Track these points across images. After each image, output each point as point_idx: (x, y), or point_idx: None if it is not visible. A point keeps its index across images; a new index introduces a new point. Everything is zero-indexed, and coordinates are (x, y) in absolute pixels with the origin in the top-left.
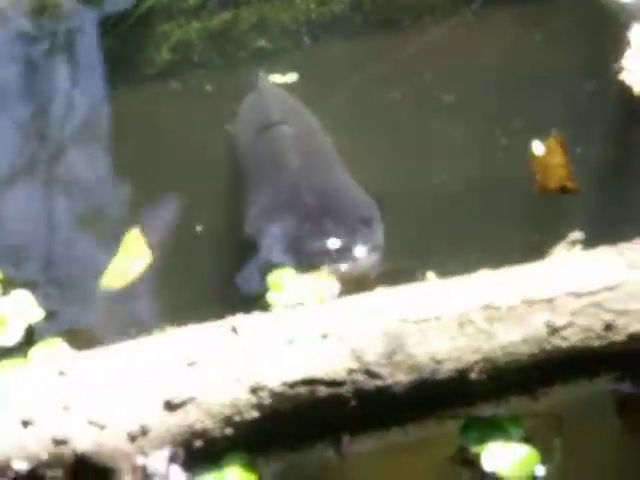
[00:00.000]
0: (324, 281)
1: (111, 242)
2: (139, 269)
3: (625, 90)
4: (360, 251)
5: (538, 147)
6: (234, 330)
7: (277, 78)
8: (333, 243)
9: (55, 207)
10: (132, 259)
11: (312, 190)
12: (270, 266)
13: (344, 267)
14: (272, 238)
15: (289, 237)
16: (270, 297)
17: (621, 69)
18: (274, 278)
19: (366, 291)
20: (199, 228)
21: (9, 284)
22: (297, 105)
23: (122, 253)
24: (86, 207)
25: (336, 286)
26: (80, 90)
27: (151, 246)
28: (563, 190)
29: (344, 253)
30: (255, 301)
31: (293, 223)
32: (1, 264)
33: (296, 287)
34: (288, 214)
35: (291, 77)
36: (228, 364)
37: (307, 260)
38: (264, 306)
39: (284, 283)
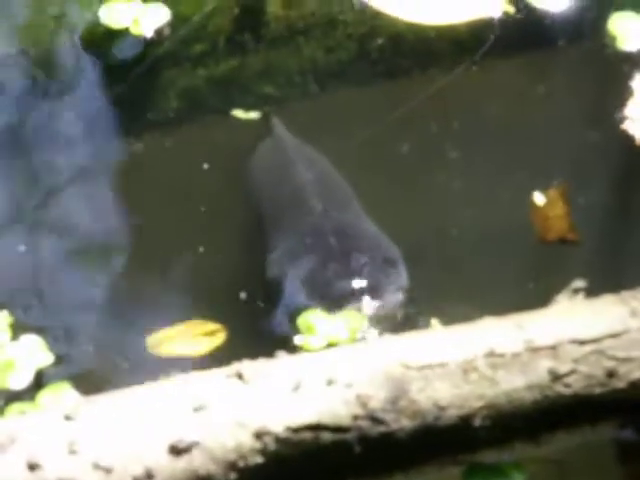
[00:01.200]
0: (355, 321)
1: (118, 287)
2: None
3: (628, 139)
4: (386, 291)
5: (539, 198)
6: (239, 376)
7: (239, 114)
8: (359, 284)
9: (64, 253)
10: (190, 342)
11: (335, 232)
12: (296, 310)
13: (371, 307)
14: (296, 281)
15: (314, 279)
16: (301, 340)
17: (624, 118)
18: (305, 321)
19: (393, 332)
20: (243, 295)
21: (19, 328)
22: (312, 150)
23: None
24: (94, 254)
25: (366, 326)
26: (86, 138)
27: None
28: (563, 241)
29: (370, 293)
30: (285, 344)
31: (317, 265)
32: (11, 308)
33: (327, 329)
34: (312, 256)
35: (253, 114)
36: (233, 409)
37: (333, 302)
38: (295, 349)
39: (315, 325)
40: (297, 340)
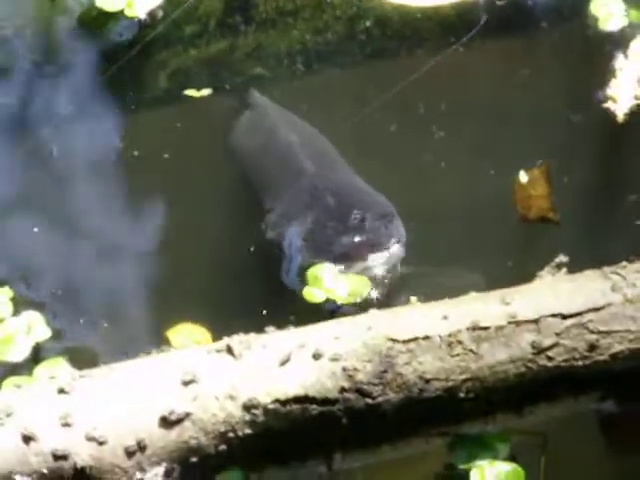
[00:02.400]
0: (358, 284)
1: (118, 265)
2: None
3: (610, 118)
4: (387, 243)
5: (523, 177)
6: (229, 350)
7: (192, 93)
8: (361, 238)
9: (66, 232)
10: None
11: (331, 191)
12: (302, 266)
13: (374, 260)
14: (300, 239)
15: (317, 237)
16: (309, 292)
17: (606, 98)
18: (313, 274)
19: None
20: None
21: (20, 303)
22: (293, 115)
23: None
24: (94, 233)
25: (367, 291)
26: (81, 117)
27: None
28: (543, 220)
29: (373, 247)
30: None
31: (319, 223)
32: (13, 283)
33: (333, 283)
34: (312, 215)
35: (206, 91)
36: (223, 382)
37: (336, 257)
38: (304, 302)
39: (322, 279)
40: (304, 291)
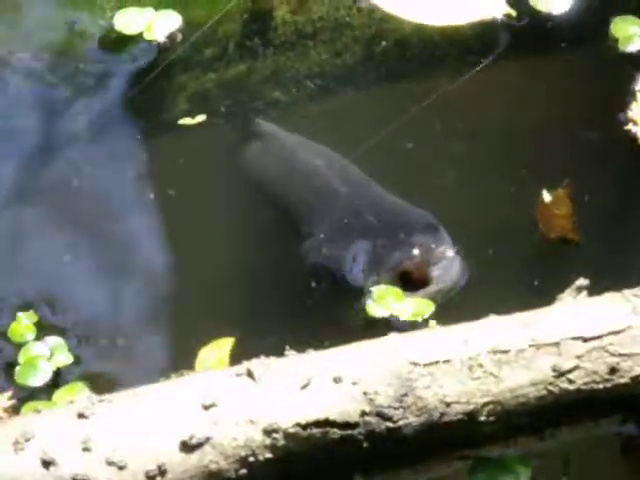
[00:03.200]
0: (421, 306)
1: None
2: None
3: (631, 141)
4: (443, 252)
5: (546, 196)
6: (250, 374)
7: (187, 121)
8: (416, 251)
9: (90, 256)
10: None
11: (372, 210)
12: (362, 287)
13: (433, 270)
14: (357, 262)
15: (371, 256)
16: (372, 309)
17: (627, 120)
18: (379, 293)
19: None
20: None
21: (44, 328)
22: (308, 141)
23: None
24: (118, 257)
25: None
26: (100, 140)
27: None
28: (564, 241)
29: (431, 257)
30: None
31: (370, 242)
32: (38, 308)
33: (398, 303)
34: (360, 237)
35: (201, 118)
36: (243, 406)
37: (391, 272)
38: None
39: (387, 298)
40: (368, 306)
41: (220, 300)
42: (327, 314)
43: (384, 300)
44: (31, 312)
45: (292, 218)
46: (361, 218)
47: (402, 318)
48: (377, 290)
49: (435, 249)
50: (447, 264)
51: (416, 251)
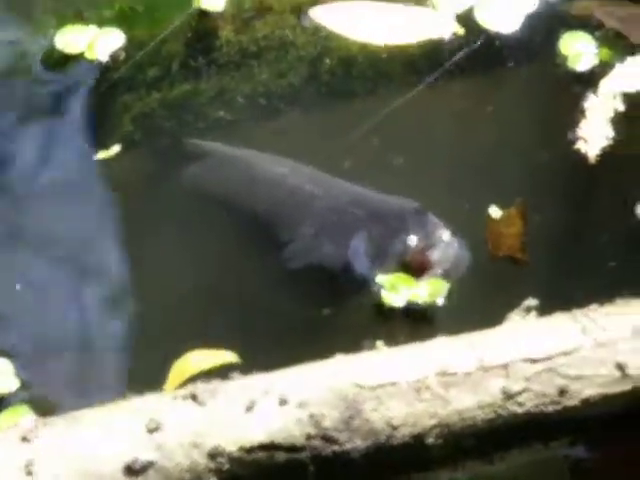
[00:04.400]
0: (437, 286)
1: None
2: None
3: (581, 160)
4: (440, 234)
5: (495, 213)
6: (194, 397)
7: (102, 154)
8: (414, 236)
9: (42, 274)
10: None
11: (355, 204)
12: (359, 280)
13: (433, 253)
14: (353, 255)
15: (370, 247)
16: (389, 299)
17: (577, 138)
18: (389, 283)
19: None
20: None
21: None
22: (259, 153)
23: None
24: (71, 272)
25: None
26: (45, 164)
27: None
28: (512, 259)
29: (429, 241)
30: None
31: (365, 234)
32: None
33: (411, 288)
34: (352, 229)
35: (115, 149)
36: (187, 430)
37: (394, 261)
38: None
39: (399, 286)
40: (383, 297)
41: (189, 320)
42: (335, 315)
43: (397, 288)
44: None
45: (263, 229)
46: (347, 213)
47: (420, 301)
48: (387, 279)
49: (432, 232)
50: (445, 246)
51: (414, 237)
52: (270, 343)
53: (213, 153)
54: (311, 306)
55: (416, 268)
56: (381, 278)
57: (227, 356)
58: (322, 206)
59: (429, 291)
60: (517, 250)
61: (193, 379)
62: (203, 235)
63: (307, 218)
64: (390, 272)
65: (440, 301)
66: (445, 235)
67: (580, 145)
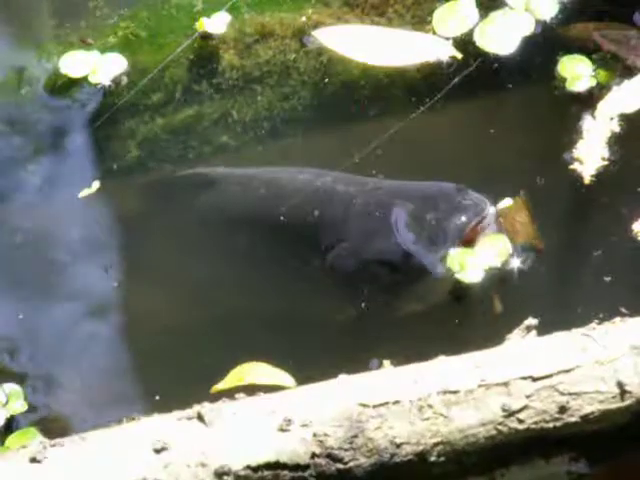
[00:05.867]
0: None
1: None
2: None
3: (577, 180)
4: (487, 208)
5: (508, 202)
6: (200, 417)
7: (85, 192)
8: (469, 213)
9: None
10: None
11: (394, 194)
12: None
13: (486, 227)
14: (414, 244)
15: (429, 233)
16: (464, 277)
17: (573, 159)
18: (457, 261)
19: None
20: None
21: (2, 373)
22: (270, 168)
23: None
24: (76, 300)
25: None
26: (52, 185)
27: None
28: (530, 247)
29: (481, 216)
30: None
31: (419, 221)
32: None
33: (478, 258)
34: (404, 219)
35: (95, 185)
36: (194, 450)
37: (456, 241)
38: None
39: (466, 261)
40: (459, 277)
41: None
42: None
43: (466, 264)
44: None
45: (301, 238)
46: (391, 205)
47: (494, 265)
48: (453, 260)
49: (477, 205)
50: (491, 219)
51: (469, 213)
52: (361, 349)
53: (221, 178)
54: (375, 303)
55: (471, 241)
56: (448, 260)
57: (285, 379)
58: (359, 203)
59: (496, 253)
60: (533, 238)
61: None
62: (238, 256)
63: (348, 218)
64: (448, 253)
65: (515, 262)
66: (491, 208)
67: (576, 166)
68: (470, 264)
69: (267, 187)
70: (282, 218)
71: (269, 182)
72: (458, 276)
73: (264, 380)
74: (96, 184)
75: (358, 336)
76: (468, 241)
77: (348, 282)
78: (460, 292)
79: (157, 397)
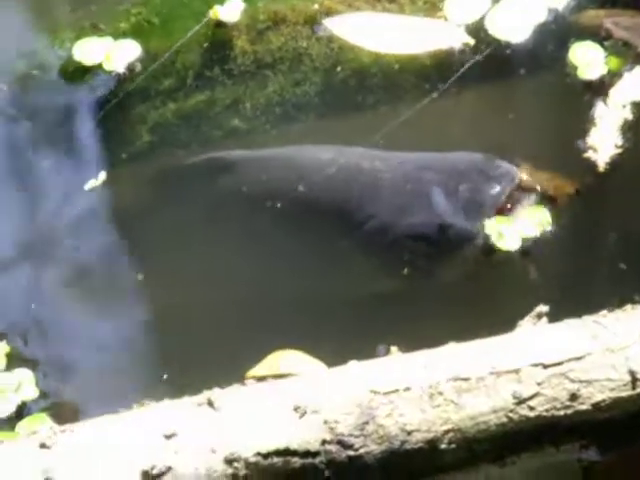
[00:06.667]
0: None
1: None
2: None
3: (591, 167)
4: (515, 172)
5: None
6: (210, 403)
7: (91, 184)
8: (502, 182)
9: (60, 288)
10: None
11: (423, 167)
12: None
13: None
14: (450, 215)
15: (465, 203)
16: (503, 245)
17: (587, 147)
18: (495, 231)
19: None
20: None
21: (15, 359)
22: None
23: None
24: (89, 287)
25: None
26: (64, 172)
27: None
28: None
29: (514, 183)
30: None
31: (453, 192)
32: (11, 338)
33: (516, 226)
34: (437, 190)
35: (102, 176)
36: (204, 436)
37: (492, 210)
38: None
39: (506, 230)
40: (496, 246)
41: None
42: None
43: (503, 232)
44: (3, 343)
45: (322, 220)
46: (421, 177)
47: (533, 234)
48: (492, 229)
49: (509, 174)
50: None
51: (502, 182)
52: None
53: (238, 161)
54: (412, 276)
55: (506, 210)
56: (486, 229)
57: (320, 369)
58: (388, 178)
59: (537, 221)
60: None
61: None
62: (262, 238)
63: (378, 194)
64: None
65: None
66: (517, 172)
67: (590, 153)
68: (508, 232)
69: (288, 167)
70: (307, 198)
71: (290, 161)
72: (497, 244)
73: (299, 369)
74: (103, 175)
75: (392, 314)
76: (502, 210)
77: (382, 258)
78: (494, 258)
79: (183, 382)
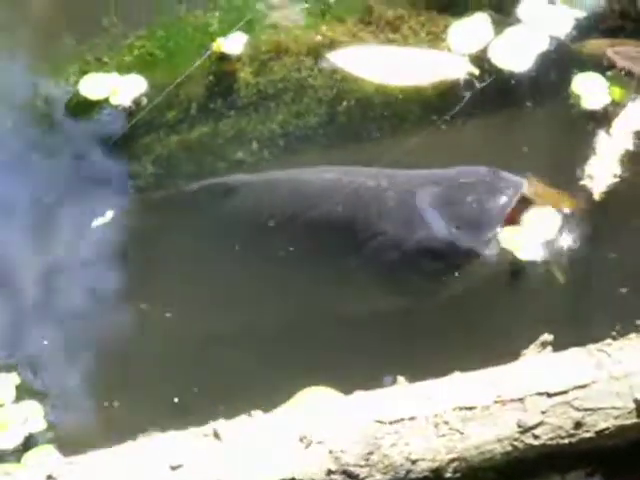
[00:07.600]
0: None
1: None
2: None
3: (586, 196)
4: (519, 183)
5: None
6: (216, 434)
7: (100, 221)
8: (508, 193)
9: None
10: None
11: (427, 182)
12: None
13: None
14: (458, 228)
15: (473, 216)
16: (523, 254)
17: (584, 175)
18: (510, 241)
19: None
20: None
21: (25, 391)
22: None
23: None
24: (97, 319)
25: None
26: (65, 207)
27: None
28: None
29: (519, 193)
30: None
31: (458, 206)
32: (22, 370)
33: (531, 232)
34: (443, 205)
35: (109, 214)
36: (210, 467)
37: (500, 222)
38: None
39: (518, 240)
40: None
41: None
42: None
43: (517, 242)
44: (14, 374)
45: (328, 240)
46: (427, 193)
47: (549, 238)
48: (507, 240)
49: (513, 185)
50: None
51: (508, 193)
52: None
53: (242, 185)
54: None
55: (514, 221)
56: (501, 240)
57: None
58: (392, 195)
59: (546, 226)
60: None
61: None
62: (269, 260)
63: (383, 212)
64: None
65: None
66: (523, 182)
67: (586, 181)
68: (523, 241)
69: (293, 188)
70: (313, 218)
71: (294, 183)
72: (515, 254)
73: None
74: (110, 214)
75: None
76: (511, 220)
77: (390, 275)
78: (518, 269)
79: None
